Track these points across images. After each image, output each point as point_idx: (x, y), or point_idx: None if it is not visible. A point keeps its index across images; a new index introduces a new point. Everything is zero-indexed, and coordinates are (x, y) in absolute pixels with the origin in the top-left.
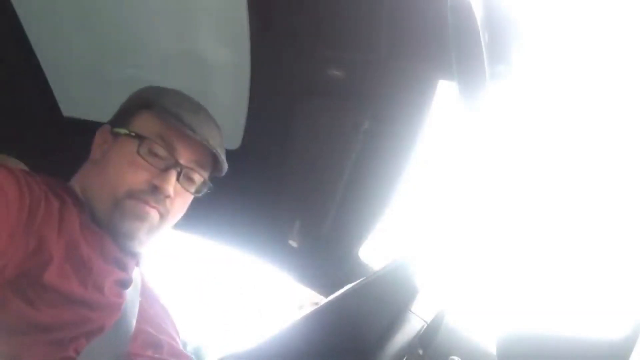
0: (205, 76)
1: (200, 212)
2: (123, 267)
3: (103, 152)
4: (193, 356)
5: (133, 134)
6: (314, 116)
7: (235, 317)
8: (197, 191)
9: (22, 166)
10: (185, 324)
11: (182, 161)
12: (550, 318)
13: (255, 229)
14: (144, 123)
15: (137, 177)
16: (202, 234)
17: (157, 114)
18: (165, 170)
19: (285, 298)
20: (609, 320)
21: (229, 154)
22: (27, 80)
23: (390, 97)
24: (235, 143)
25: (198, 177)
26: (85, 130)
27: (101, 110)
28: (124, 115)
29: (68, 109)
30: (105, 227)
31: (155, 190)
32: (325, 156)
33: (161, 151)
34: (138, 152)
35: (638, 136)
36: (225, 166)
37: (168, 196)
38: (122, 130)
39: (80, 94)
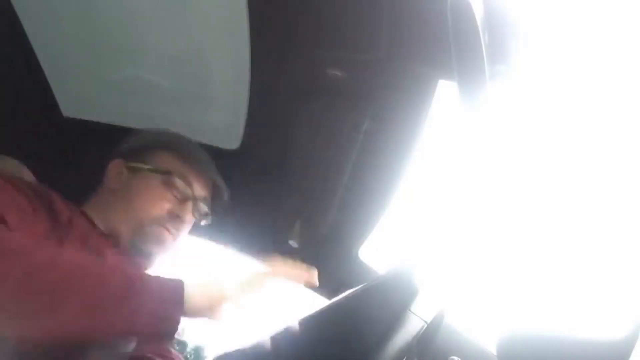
0: (205, 76)
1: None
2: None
3: (121, 182)
4: (193, 356)
5: (159, 170)
6: (314, 116)
7: (235, 318)
8: (203, 220)
9: (24, 168)
10: (186, 324)
11: (197, 195)
12: (550, 318)
13: (255, 229)
14: (164, 161)
15: (162, 206)
16: (202, 234)
17: (176, 154)
18: (183, 200)
19: (286, 298)
20: (609, 320)
21: (229, 154)
22: (27, 81)
23: (390, 97)
24: (235, 143)
25: (205, 209)
26: (85, 130)
27: (101, 110)
28: (140, 153)
29: (68, 109)
30: (125, 248)
31: (175, 218)
32: (325, 156)
33: (182, 185)
34: (163, 185)
35: (638, 136)
36: (227, 200)
37: (185, 223)
38: (145, 166)
39: (80, 94)
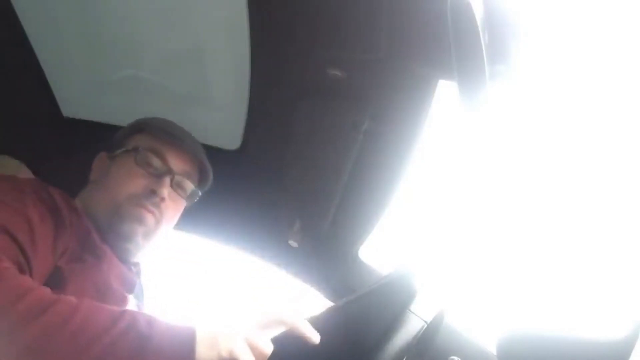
0: (205, 76)
1: (200, 212)
2: (129, 280)
3: (102, 172)
4: None
5: (130, 148)
6: (314, 116)
7: (233, 317)
8: (188, 198)
9: (24, 168)
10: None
11: (174, 169)
12: (550, 318)
13: (255, 229)
14: (139, 141)
15: (136, 183)
16: (202, 233)
17: (149, 133)
18: (160, 176)
19: (285, 298)
20: (609, 320)
21: (229, 154)
22: (27, 80)
23: (390, 97)
24: (235, 143)
25: (189, 185)
26: (85, 130)
27: (101, 110)
28: (118, 141)
29: (68, 109)
30: (106, 233)
31: (152, 194)
32: (325, 156)
33: (155, 161)
34: (135, 163)
35: (638, 136)
36: (210, 177)
37: (163, 199)
38: (119, 150)
39: (80, 94)
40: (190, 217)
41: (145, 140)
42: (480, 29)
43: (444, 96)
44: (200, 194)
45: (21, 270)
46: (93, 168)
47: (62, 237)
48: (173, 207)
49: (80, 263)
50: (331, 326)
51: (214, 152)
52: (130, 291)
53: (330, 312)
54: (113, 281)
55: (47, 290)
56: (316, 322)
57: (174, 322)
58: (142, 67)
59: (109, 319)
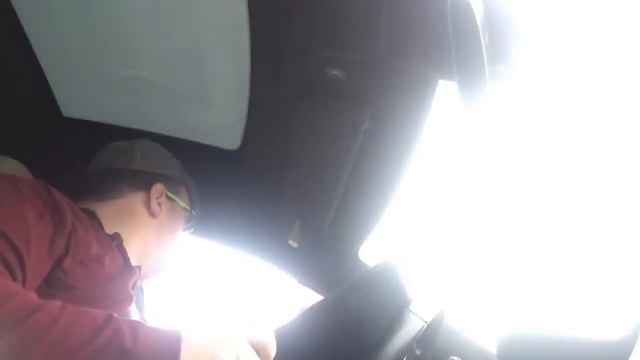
0: (205, 76)
1: (200, 212)
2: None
3: (158, 209)
4: None
5: (187, 208)
6: (314, 116)
7: (234, 317)
8: None
9: (24, 168)
10: (186, 323)
11: None
12: (550, 318)
13: (255, 229)
14: (185, 198)
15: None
16: (201, 234)
17: (189, 194)
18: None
19: (285, 298)
20: (609, 320)
21: (229, 154)
22: (27, 80)
23: (390, 97)
24: (235, 143)
25: None
26: (85, 130)
27: (101, 110)
28: (176, 184)
29: (68, 109)
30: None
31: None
32: (325, 156)
33: (192, 224)
34: (183, 228)
35: (638, 136)
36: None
37: None
38: (181, 202)
39: (80, 94)
40: None
41: (187, 199)
42: (480, 29)
43: (444, 96)
44: None
45: (10, 271)
46: (152, 196)
47: (61, 236)
48: None
49: (84, 266)
50: (328, 320)
51: (214, 152)
52: (133, 288)
53: (326, 305)
54: (119, 279)
55: (31, 295)
56: (313, 316)
57: (160, 335)
58: (142, 67)
59: (91, 330)
